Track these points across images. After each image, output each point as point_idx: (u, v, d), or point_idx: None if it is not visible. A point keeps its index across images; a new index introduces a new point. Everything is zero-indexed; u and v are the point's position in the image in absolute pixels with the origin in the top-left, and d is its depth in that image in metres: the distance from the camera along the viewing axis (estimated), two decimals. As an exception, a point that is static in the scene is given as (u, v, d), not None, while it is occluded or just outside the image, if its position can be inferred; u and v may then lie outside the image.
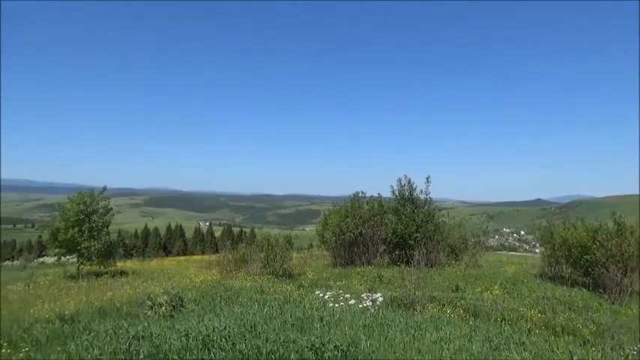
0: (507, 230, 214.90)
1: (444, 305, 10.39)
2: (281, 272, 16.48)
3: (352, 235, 19.97)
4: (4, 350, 6.53)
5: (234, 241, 30.60)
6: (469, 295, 12.19)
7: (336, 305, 9.89)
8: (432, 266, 18.00)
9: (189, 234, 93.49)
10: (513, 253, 50.43)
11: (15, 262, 37.30)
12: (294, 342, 6.09)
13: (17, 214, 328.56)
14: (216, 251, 52.91)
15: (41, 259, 36.98)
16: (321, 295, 11.36)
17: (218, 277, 16.65)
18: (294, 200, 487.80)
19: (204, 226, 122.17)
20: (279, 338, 6.22)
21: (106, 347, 5.94)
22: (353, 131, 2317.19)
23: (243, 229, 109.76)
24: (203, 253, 63.76)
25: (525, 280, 15.49)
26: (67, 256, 20.67)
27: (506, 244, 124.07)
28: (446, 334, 7.46)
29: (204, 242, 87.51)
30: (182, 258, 41.49)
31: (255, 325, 7.07)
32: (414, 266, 12.31)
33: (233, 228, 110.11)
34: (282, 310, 8.92)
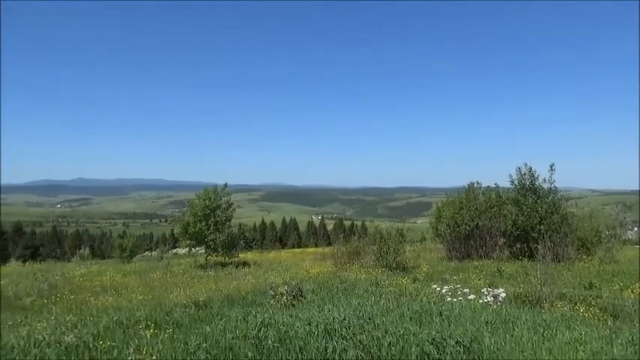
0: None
1: (575, 303, 9.52)
2: (395, 265, 16.41)
3: (468, 227, 19.26)
4: (151, 330, 7.36)
5: (346, 234, 31.13)
6: (605, 293, 11.04)
7: (454, 300, 9.59)
8: (559, 261, 16.68)
9: (302, 227, 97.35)
10: (657, 247, 44.75)
11: (153, 253, 41.97)
12: (413, 335, 6.03)
13: (153, 210, 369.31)
14: (329, 244, 54.62)
15: (174, 251, 41.26)
16: (438, 289, 11.09)
17: (333, 269, 17.07)
18: (405, 192, 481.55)
19: (316, 219, 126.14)
20: (399, 331, 6.19)
21: (237, 331, 6.42)
22: (463, 120, 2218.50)
23: (354, 222, 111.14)
24: (316, 245, 66.04)
25: (675, 278, 13.64)
26: (197, 248, 22.74)
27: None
28: (580, 334, 6.81)
29: (317, 235, 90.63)
30: (297, 250, 43.17)
31: (373, 317, 7.12)
32: (539, 260, 11.49)
33: (344, 221, 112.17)
34: (398, 303, 8.86)
